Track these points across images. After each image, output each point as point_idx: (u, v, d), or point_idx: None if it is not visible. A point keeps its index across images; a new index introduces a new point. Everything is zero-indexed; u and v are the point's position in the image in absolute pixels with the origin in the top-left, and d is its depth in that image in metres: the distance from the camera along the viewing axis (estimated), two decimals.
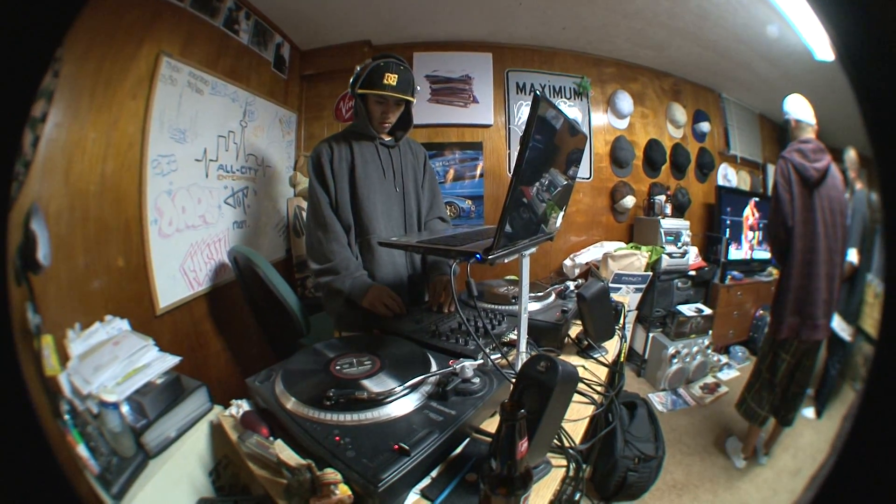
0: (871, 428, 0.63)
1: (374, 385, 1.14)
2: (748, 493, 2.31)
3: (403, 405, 1.08)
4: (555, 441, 1.06)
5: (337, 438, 0.96)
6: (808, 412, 2.31)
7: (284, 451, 0.95)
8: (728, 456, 2.53)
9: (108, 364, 1.11)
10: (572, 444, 1.10)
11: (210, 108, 2.47)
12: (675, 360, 3.22)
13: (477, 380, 1.18)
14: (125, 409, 1.06)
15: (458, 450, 1.05)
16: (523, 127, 1.01)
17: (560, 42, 3.65)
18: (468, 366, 1.18)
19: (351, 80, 1.93)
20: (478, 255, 1.07)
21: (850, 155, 2.00)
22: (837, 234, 2.07)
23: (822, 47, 2.06)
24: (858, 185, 2.01)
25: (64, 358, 1.05)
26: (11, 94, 0.72)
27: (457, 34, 3.47)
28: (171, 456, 1.10)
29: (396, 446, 0.92)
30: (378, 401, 1.07)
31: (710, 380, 3.28)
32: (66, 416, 0.92)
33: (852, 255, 2.03)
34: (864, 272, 1.95)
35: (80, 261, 1.69)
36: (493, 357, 1.33)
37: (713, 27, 3.00)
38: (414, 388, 1.13)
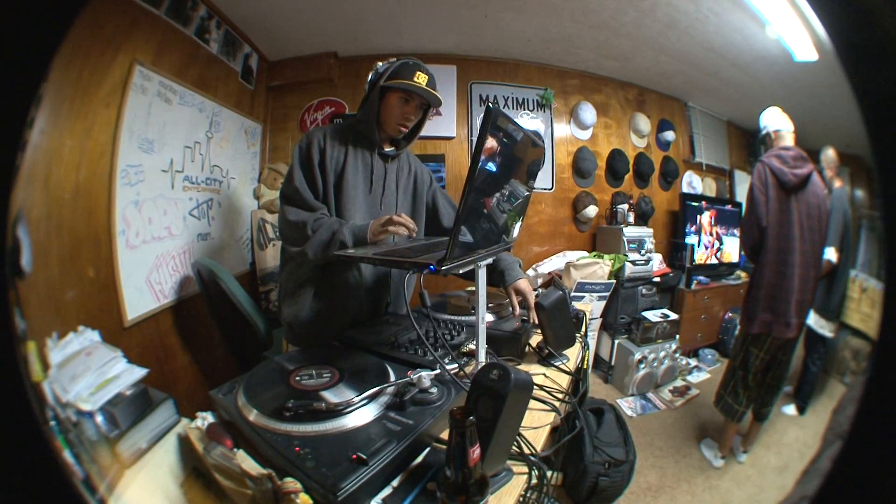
0: (875, 419, 0.62)
1: (332, 396, 1.15)
2: (730, 492, 2.33)
3: (362, 415, 1.09)
4: (515, 448, 1.08)
5: (297, 449, 0.96)
6: (789, 409, 2.36)
7: (246, 462, 0.96)
8: (704, 456, 2.56)
9: (82, 374, 1.11)
10: (533, 452, 1.11)
11: (178, 119, 2.46)
12: (643, 366, 3.26)
13: (434, 390, 1.19)
14: (100, 418, 1.06)
15: (419, 459, 1.06)
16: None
17: (525, 54, 3.69)
18: (425, 376, 1.19)
19: (371, 76, 1.80)
20: (431, 267, 1.09)
21: (829, 154, 2.05)
22: (815, 238, 2.11)
23: (803, 48, 1.96)
24: (837, 184, 2.06)
25: (45, 365, 1.06)
26: (10, 98, 0.71)
27: (422, 46, 3.48)
28: (145, 466, 1.09)
29: (354, 456, 0.93)
30: (337, 411, 1.07)
31: (679, 383, 3.32)
32: (52, 422, 0.93)
33: (830, 254, 2.08)
34: (845, 269, 2.01)
35: (56, 269, 1.67)
36: (450, 367, 1.32)
37: (681, 36, 3.02)
38: (372, 398, 1.14)
